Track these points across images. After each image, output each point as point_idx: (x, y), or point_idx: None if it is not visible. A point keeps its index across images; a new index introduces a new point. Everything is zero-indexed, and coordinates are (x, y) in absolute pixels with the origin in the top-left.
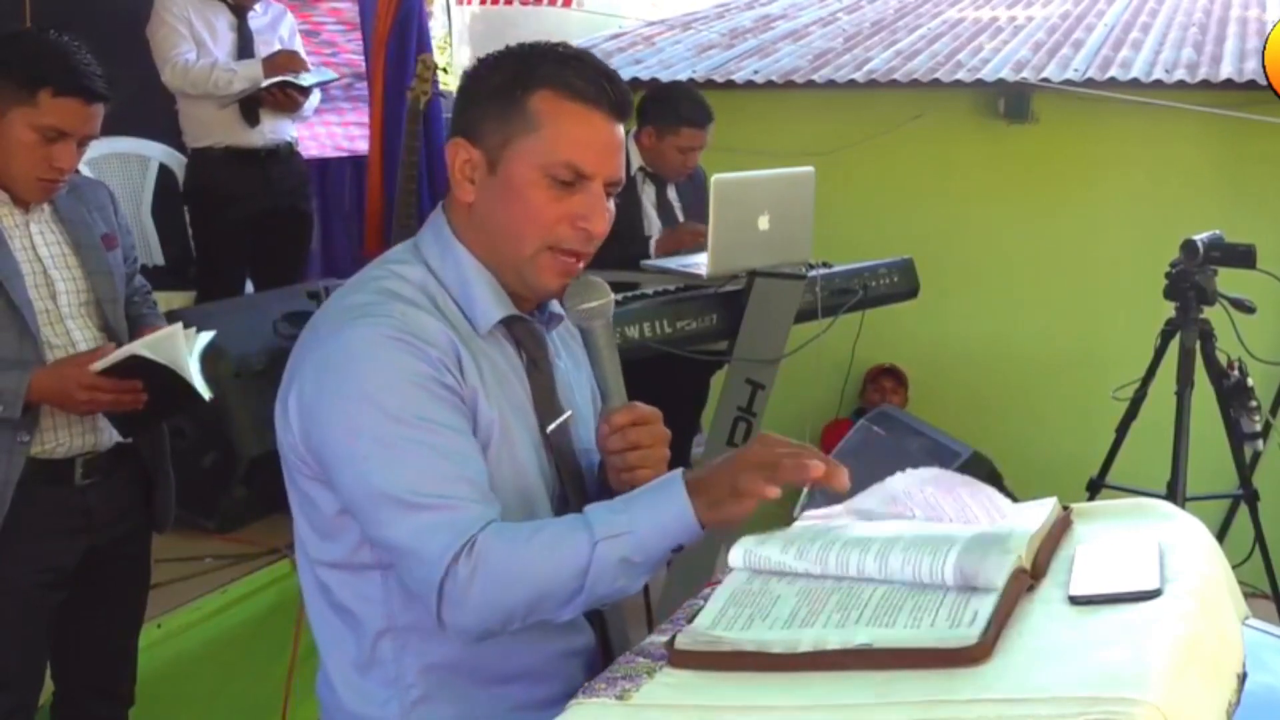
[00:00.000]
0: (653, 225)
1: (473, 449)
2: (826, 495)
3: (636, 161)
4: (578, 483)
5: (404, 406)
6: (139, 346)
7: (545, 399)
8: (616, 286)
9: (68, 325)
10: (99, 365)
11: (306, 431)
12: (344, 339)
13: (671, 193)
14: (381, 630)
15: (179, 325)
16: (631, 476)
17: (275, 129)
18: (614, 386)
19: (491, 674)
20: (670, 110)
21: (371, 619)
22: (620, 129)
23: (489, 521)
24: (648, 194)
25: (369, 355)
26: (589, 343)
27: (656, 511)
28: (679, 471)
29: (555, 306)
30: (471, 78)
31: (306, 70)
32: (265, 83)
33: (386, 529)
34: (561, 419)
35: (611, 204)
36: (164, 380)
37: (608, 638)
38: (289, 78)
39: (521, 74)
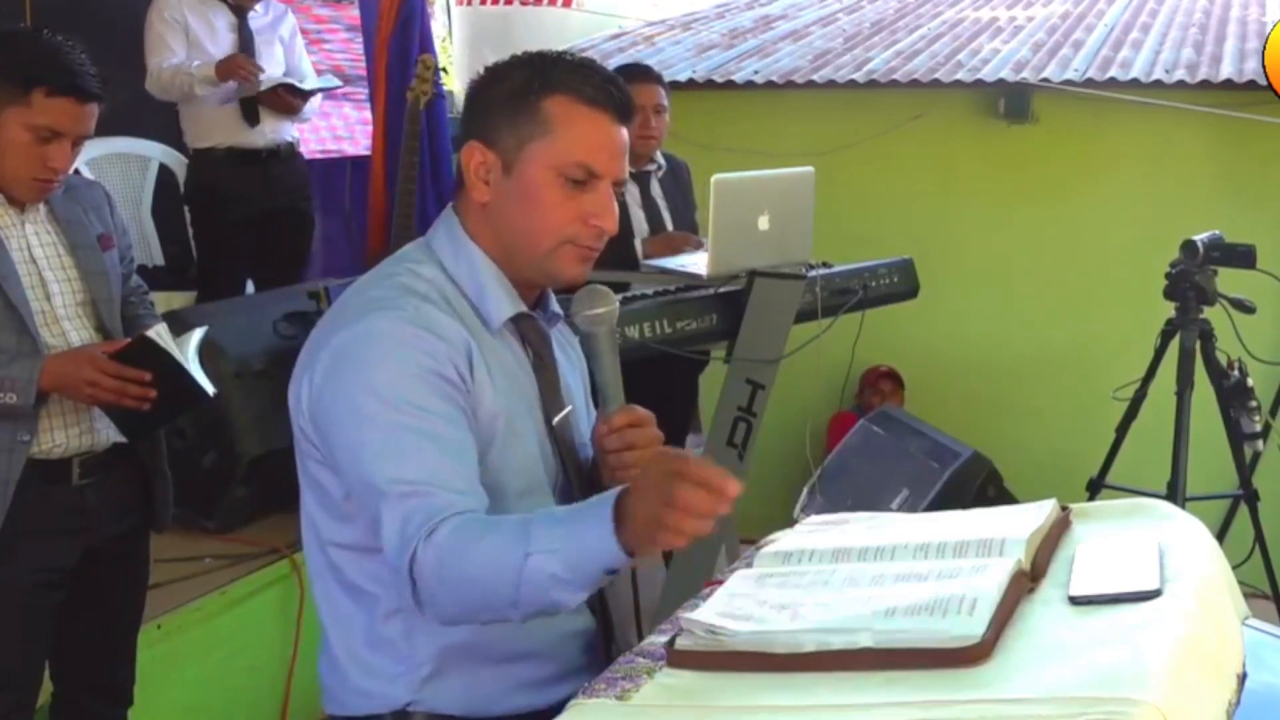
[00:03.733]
0: (640, 225)
1: (465, 439)
2: (826, 496)
3: None
4: (580, 473)
5: (401, 394)
6: (149, 332)
7: (551, 393)
8: (612, 287)
9: (64, 326)
10: (109, 348)
11: (315, 416)
12: (358, 329)
13: (656, 190)
14: (393, 610)
15: (194, 330)
16: (626, 475)
17: (276, 129)
18: (614, 390)
19: (499, 654)
20: None
21: (383, 599)
22: (625, 131)
23: (457, 512)
24: (631, 194)
25: (378, 347)
26: (593, 347)
27: (585, 533)
28: (612, 495)
29: (555, 306)
30: (483, 84)
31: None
32: (267, 85)
33: (374, 510)
34: (565, 412)
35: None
36: (169, 376)
37: (609, 621)
38: (293, 82)
39: (534, 80)
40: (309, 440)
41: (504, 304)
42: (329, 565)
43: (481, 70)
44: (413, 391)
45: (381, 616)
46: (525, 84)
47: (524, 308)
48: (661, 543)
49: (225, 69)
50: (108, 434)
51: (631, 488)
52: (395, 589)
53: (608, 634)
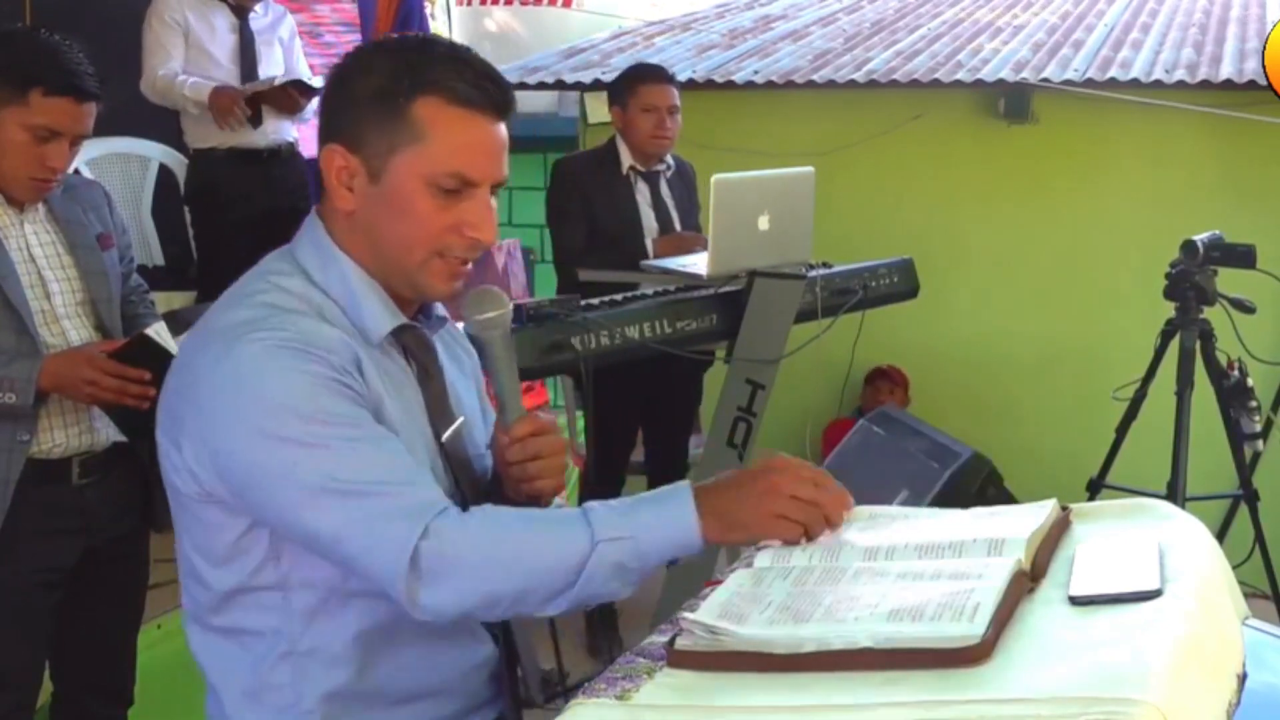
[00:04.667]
0: (649, 225)
1: (390, 435)
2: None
3: (627, 161)
4: (476, 489)
5: (318, 408)
6: (147, 330)
7: (438, 407)
8: (616, 287)
9: (64, 325)
10: (108, 348)
11: (214, 460)
12: (234, 360)
13: (665, 190)
14: (282, 654)
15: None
16: (531, 487)
17: (277, 130)
18: (511, 398)
19: (393, 696)
20: (624, 79)
21: (270, 642)
22: (504, 128)
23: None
24: (642, 193)
25: (266, 368)
26: (486, 354)
27: (662, 522)
28: (686, 484)
29: (440, 309)
30: (344, 78)
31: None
32: (282, 81)
33: (329, 524)
34: (455, 426)
35: (494, 201)
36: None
37: (511, 646)
38: (303, 79)
39: (402, 78)
40: (199, 484)
41: (381, 317)
42: (209, 611)
43: (341, 60)
44: (325, 401)
45: (269, 661)
46: (392, 83)
47: (404, 319)
48: (772, 531)
49: (219, 102)
50: (107, 433)
51: (725, 481)
52: (285, 629)
53: (511, 661)
